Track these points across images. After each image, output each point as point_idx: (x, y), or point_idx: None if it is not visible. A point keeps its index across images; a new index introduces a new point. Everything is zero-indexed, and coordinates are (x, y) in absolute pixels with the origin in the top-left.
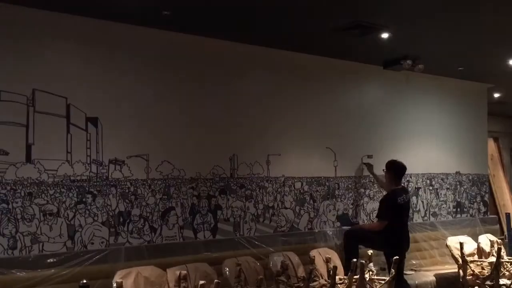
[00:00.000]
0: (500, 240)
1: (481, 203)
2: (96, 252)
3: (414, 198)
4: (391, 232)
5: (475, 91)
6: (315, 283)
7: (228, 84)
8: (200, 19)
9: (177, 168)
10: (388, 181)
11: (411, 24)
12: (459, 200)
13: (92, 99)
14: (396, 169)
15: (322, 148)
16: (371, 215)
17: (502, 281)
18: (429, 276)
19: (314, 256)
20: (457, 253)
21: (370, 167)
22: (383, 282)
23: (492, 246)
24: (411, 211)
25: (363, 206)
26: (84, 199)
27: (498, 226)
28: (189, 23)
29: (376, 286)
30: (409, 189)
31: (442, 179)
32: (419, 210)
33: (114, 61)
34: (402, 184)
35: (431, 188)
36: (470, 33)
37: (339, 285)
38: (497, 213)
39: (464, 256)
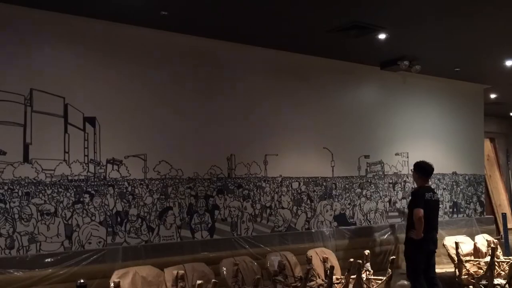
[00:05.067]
0: (496, 240)
1: (478, 203)
2: (94, 252)
3: (411, 198)
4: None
5: (471, 92)
6: (312, 283)
7: (226, 85)
8: (198, 20)
9: (175, 168)
10: (416, 180)
11: (408, 25)
12: (455, 200)
13: (90, 99)
14: (420, 169)
15: (319, 148)
16: (368, 215)
17: (498, 280)
18: None
19: (311, 256)
20: (453, 252)
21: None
22: (379, 282)
23: (489, 246)
24: (407, 211)
25: (360, 206)
26: (81, 199)
27: (494, 226)
28: (187, 24)
29: (372, 286)
30: (407, 189)
31: (438, 179)
32: None
33: (111, 61)
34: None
35: None
36: (466, 34)
37: (336, 285)
38: (493, 213)
39: (459, 256)
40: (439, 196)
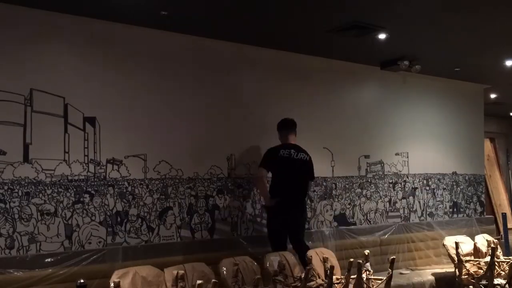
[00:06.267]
0: (496, 240)
1: (478, 203)
2: (94, 251)
3: (411, 198)
4: (277, 188)
5: (471, 92)
6: (312, 283)
7: (226, 85)
8: (198, 19)
9: (175, 168)
10: (279, 139)
11: (408, 25)
12: (455, 200)
13: (90, 98)
14: (278, 126)
15: (319, 148)
16: (368, 215)
17: (498, 280)
18: (426, 276)
19: (311, 256)
20: (453, 252)
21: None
22: (379, 282)
23: (489, 246)
24: (407, 211)
25: (360, 206)
26: (81, 199)
27: (494, 226)
28: (187, 23)
29: (373, 286)
30: (407, 189)
31: (438, 179)
32: (415, 210)
33: (111, 61)
34: (296, 144)
35: (427, 188)
36: (466, 34)
37: (336, 285)
38: (493, 213)
39: (459, 256)
40: (307, 158)
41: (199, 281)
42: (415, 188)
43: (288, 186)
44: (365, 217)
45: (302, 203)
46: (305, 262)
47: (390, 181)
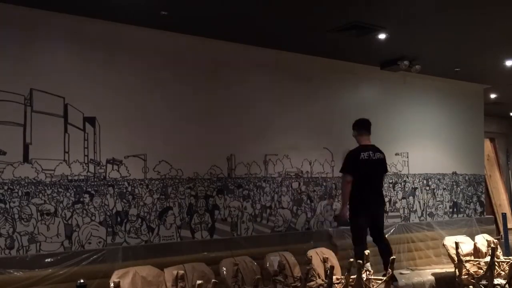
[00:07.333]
0: (496, 240)
1: (478, 203)
2: (94, 252)
3: (411, 198)
4: (359, 189)
5: (471, 92)
6: (312, 283)
7: (226, 85)
8: (198, 20)
9: (175, 168)
10: (356, 140)
11: (408, 25)
12: (455, 200)
13: (90, 99)
14: (356, 125)
15: (319, 148)
16: None
17: (498, 280)
18: (426, 276)
19: (311, 256)
20: (453, 252)
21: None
22: (379, 282)
23: (489, 246)
24: (407, 211)
25: None
26: (81, 199)
27: (494, 226)
28: (187, 24)
29: (373, 286)
30: (407, 189)
31: (438, 179)
32: (415, 210)
33: (111, 61)
34: (372, 144)
35: (427, 188)
36: (466, 34)
37: (336, 285)
38: (493, 213)
39: (459, 256)
40: (382, 156)
41: (199, 281)
42: (415, 188)
43: (369, 187)
44: None
45: (382, 199)
46: (387, 252)
47: (390, 181)
